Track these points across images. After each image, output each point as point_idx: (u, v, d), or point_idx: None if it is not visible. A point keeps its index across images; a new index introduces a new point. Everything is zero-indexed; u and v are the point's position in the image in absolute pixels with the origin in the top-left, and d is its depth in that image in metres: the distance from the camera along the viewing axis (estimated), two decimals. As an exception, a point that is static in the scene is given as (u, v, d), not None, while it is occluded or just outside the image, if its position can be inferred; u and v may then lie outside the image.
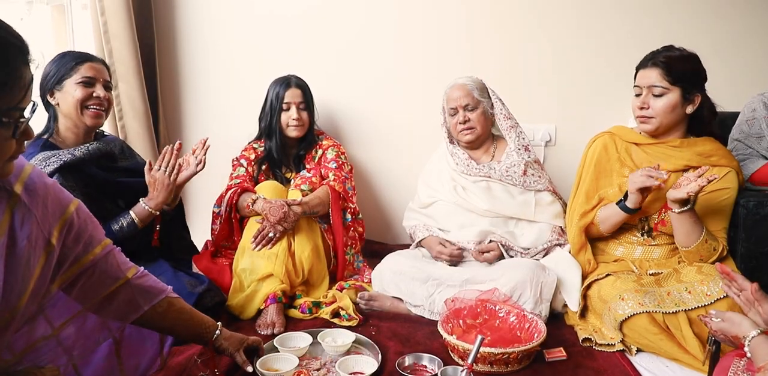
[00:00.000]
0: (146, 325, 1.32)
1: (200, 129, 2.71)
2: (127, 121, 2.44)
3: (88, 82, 1.78)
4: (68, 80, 1.77)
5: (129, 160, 1.97)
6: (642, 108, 1.82)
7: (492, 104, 2.16)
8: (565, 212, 2.12)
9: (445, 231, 2.15)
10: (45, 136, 1.79)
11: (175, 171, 1.84)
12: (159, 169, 1.84)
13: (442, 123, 2.24)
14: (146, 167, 1.85)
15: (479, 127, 2.14)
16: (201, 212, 2.51)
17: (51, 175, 1.66)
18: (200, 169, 1.90)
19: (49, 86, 1.77)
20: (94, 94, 1.79)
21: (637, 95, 1.84)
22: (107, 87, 1.83)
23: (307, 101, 2.32)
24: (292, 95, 2.28)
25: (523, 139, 2.17)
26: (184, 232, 2.18)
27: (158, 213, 1.85)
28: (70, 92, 1.77)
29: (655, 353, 1.66)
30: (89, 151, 1.78)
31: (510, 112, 2.17)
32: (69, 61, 1.78)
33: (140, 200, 1.83)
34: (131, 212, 1.81)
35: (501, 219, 2.10)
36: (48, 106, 1.81)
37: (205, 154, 1.91)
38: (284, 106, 2.28)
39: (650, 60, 1.81)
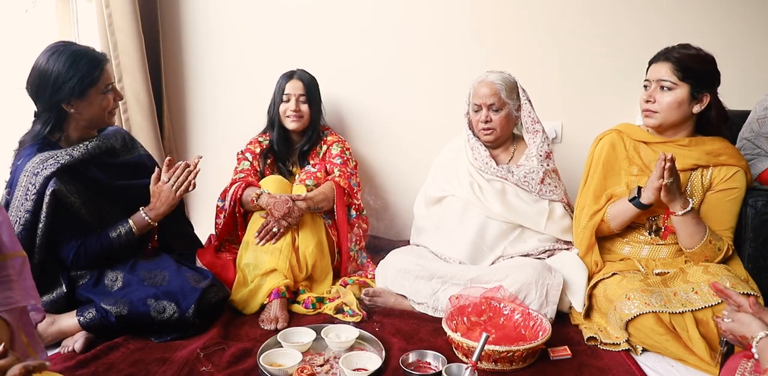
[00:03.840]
0: None
1: (205, 122, 2.70)
2: (131, 114, 2.43)
3: (110, 89, 1.74)
4: (92, 89, 1.67)
5: (131, 152, 1.93)
6: (648, 101, 1.81)
7: (519, 106, 2.08)
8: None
9: (439, 242, 2.07)
10: (45, 134, 1.69)
11: (183, 187, 1.79)
12: (167, 182, 1.79)
13: (465, 113, 2.15)
14: (153, 176, 1.81)
15: (499, 129, 2.07)
16: (205, 206, 2.50)
17: (48, 179, 1.61)
18: (191, 190, 1.84)
19: (68, 95, 1.64)
20: (116, 99, 1.77)
21: (646, 88, 1.83)
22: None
23: (309, 94, 2.31)
24: (293, 87, 2.30)
25: (548, 146, 2.09)
26: (187, 227, 2.15)
27: (156, 224, 1.82)
28: (96, 102, 1.70)
29: (661, 354, 1.66)
30: (88, 151, 1.73)
31: (537, 116, 2.09)
32: (89, 68, 1.65)
33: (140, 209, 1.80)
34: (130, 221, 1.78)
35: (509, 225, 2.02)
36: (54, 110, 1.68)
37: (195, 177, 1.83)
38: (284, 98, 2.30)
39: (663, 55, 1.81)
